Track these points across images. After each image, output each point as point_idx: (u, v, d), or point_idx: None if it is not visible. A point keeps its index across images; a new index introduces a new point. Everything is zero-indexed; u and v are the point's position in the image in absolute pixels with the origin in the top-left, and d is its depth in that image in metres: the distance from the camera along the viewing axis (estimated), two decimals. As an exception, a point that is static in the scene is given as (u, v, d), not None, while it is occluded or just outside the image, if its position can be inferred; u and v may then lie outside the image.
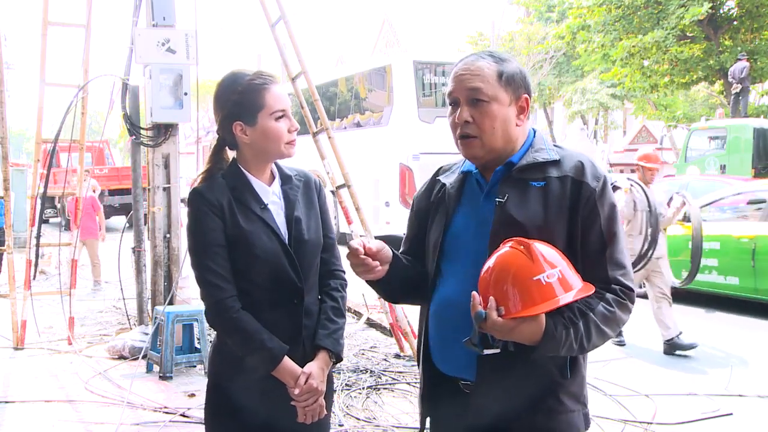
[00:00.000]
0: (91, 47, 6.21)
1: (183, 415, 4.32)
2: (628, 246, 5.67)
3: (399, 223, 11.03)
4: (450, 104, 1.78)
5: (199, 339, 5.38)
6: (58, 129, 6.34)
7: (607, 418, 4.28)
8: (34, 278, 6.49)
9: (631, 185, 6.14)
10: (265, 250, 1.94)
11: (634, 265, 5.65)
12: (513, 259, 1.56)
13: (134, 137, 5.79)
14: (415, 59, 12.22)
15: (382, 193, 11.88)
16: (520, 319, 1.54)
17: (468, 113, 1.72)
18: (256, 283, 1.95)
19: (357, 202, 5.68)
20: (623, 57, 19.13)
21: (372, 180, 11.85)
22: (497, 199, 1.71)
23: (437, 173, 1.96)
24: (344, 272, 2.17)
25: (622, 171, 27.25)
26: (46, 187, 6.45)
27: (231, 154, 2.08)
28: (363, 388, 4.77)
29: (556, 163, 1.72)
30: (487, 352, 1.63)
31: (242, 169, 2.01)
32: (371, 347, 5.88)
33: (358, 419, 4.21)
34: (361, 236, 1.86)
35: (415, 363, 5.31)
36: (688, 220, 7.03)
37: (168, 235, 5.75)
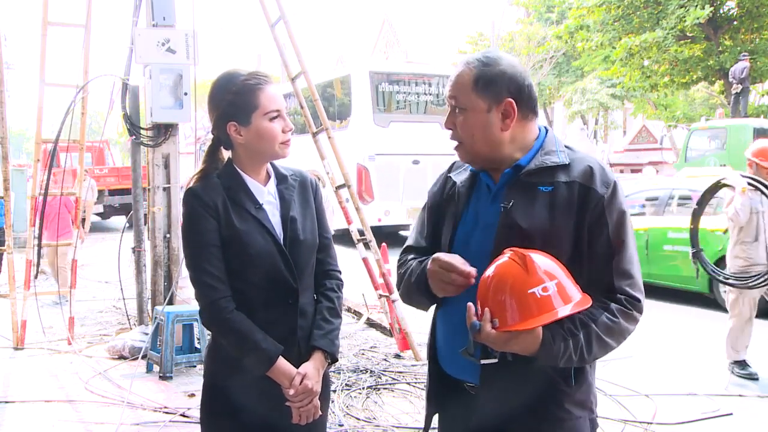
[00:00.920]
0: (91, 47, 6.20)
1: (183, 415, 4.32)
2: (743, 255, 5.22)
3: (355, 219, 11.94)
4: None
5: (199, 339, 5.38)
6: (58, 129, 6.34)
7: (607, 418, 4.27)
8: (35, 278, 6.49)
9: (749, 183, 5.19)
10: (260, 250, 1.94)
11: (762, 278, 5.02)
12: (509, 270, 1.54)
13: (134, 137, 5.79)
14: (371, 69, 13.25)
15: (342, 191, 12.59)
16: (515, 332, 1.53)
17: (451, 121, 1.74)
18: (251, 283, 1.95)
19: (357, 202, 5.69)
20: (623, 57, 19.14)
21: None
22: (502, 205, 1.69)
23: (450, 169, 1.93)
24: (340, 272, 2.17)
25: (622, 171, 27.25)
26: (47, 187, 6.44)
27: (227, 155, 2.07)
28: (363, 388, 4.77)
29: (565, 167, 1.68)
30: (484, 362, 1.63)
31: (237, 169, 2.01)
32: (371, 347, 5.88)
33: (358, 419, 4.21)
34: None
35: (416, 363, 5.33)
36: None
37: (168, 235, 5.75)
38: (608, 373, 5.17)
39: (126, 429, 4.14)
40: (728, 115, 17.31)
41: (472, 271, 1.63)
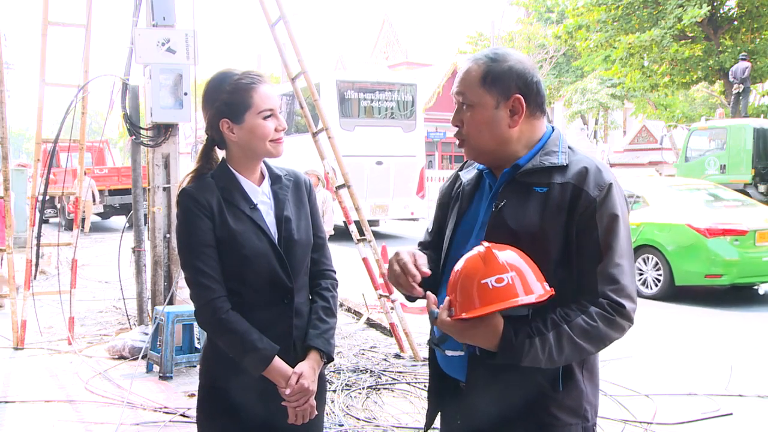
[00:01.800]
0: (91, 47, 6.20)
1: (183, 415, 4.32)
2: None
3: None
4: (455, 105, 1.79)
5: (199, 339, 5.38)
6: (59, 129, 6.34)
7: (607, 418, 4.27)
8: (34, 278, 6.49)
9: None
10: (255, 250, 1.94)
11: None
12: (470, 263, 1.54)
13: (134, 137, 5.79)
14: (338, 78, 14.45)
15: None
16: (470, 322, 1.51)
17: (458, 117, 1.72)
18: (246, 284, 1.95)
19: (356, 202, 5.69)
20: (623, 57, 19.15)
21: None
22: (494, 204, 1.69)
23: (461, 167, 1.93)
24: (335, 272, 2.17)
25: (622, 171, 27.19)
26: (46, 187, 6.45)
27: (221, 155, 2.08)
28: (363, 388, 4.77)
29: (562, 168, 1.65)
30: (450, 353, 1.61)
31: (231, 169, 2.01)
32: (371, 347, 5.88)
33: (358, 419, 4.21)
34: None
35: (416, 363, 5.33)
36: None
37: (168, 235, 5.75)
38: (608, 373, 5.17)
39: (126, 429, 4.14)
40: (728, 115, 17.31)
41: (417, 276, 1.65)
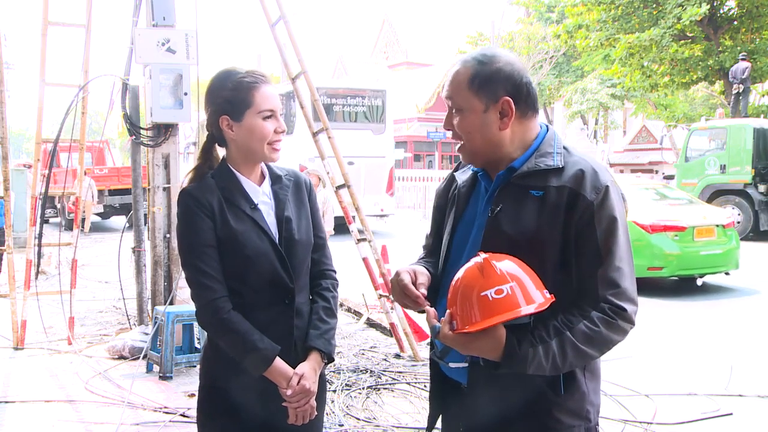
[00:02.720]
0: (91, 47, 6.20)
1: (183, 415, 4.32)
2: None
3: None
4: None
5: (199, 339, 5.38)
6: (59, 129, 6.34)
7: (607, 418, 4.27)
8: (35, 278, 6.49)
9: None
10: (256, 250, 1.94)
11: None
12: (469, 274, 1.52)
13: (134, 137, 5.79)
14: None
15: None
16: (473, 334, 1.50)
17: (449, 122, 1.72)
18: (247, 284, 1.95)
19: (357, 202, 5.69)
20: (623, 56, 19.15)
21: None
22: (490, 209, 1.67)
23: (456, 167, 1.91)
24: (335, 272, 2.17)
25: (621, 171, 27.25)
26: (47, 186, 6.44)
27: (221, 153, 2.08)
28: (363, 388, 4.77)
29: (558, 170, 1.62)
30: (453, 365, 1.60)
31: (232, 168, 2.01)
32: (371, 347, 5.88)
33: (358, 419, 4.21)
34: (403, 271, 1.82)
35: (416, 363, 5.33)
36: None
37: (168, 235, 5.75)
38: (608, 373, 5.16)
39: (126, 429, 4.14)
40: (728, 115, 17.31)
41: (420, 298, 1.66)
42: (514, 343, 1.52)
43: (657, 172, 26.09)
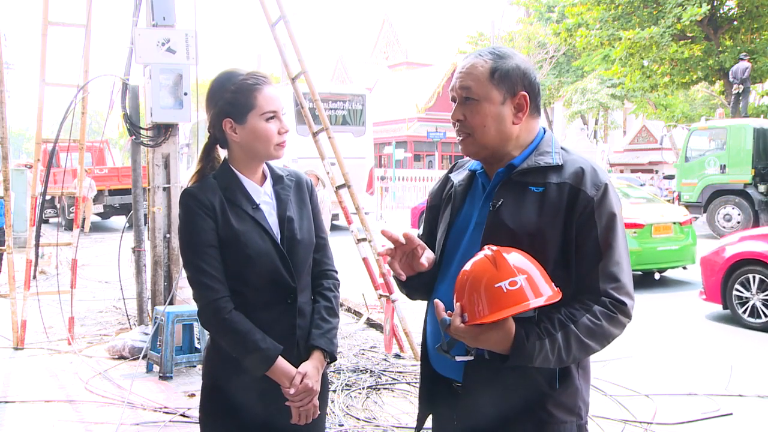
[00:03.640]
0: (91, 47, 6.20)
1: (183, 415, 4.32)
2: None
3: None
4: (451, 101, 1.78)
5: (199, 339, 5.38)
6: (59, 129, 6.34)
7: (607, 418, 4.28)
8: (34, 278, 6.48)
9: None
10: (258, 250, 1.94)
11: None
12: (480, 266, 1.53)
13: (134, 137, 5.79)
14: (293, 90, 15.88)
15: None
16: (484, 326, 1.51)
17: (460, 112, 1.72)
18: (249, 284, 1.95)
19: (357, 202, 5.69)
20: (623, 56, 19.15)
21: None
22: (491, 203, 1.70)
23: (451, 169, 1.94)
24: (337, 272, 2.18)
25: (622, 171, 27.25)
26: (46, 187, 6.45)
27: (223, 154, 2.08)
28: (363, 388, 4.77)
29: (557, 168, 1.67)
30: (459, 359, 1.61)
31: (233, 169, 2.01)
32: (371, 347, 5.88)
33: (358, 419, 4.21)
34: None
35: (415, 363, 5.33)
36: None
37: (168, 235, 5.75)
38: (608, 373, 5.17)
39: (126, 429, 4.14)
40: (728, 115, 17.32)
41: (393, 237, 1.70)
42: (522, 335, 1.54)
43: (657, 172, 26.11)
